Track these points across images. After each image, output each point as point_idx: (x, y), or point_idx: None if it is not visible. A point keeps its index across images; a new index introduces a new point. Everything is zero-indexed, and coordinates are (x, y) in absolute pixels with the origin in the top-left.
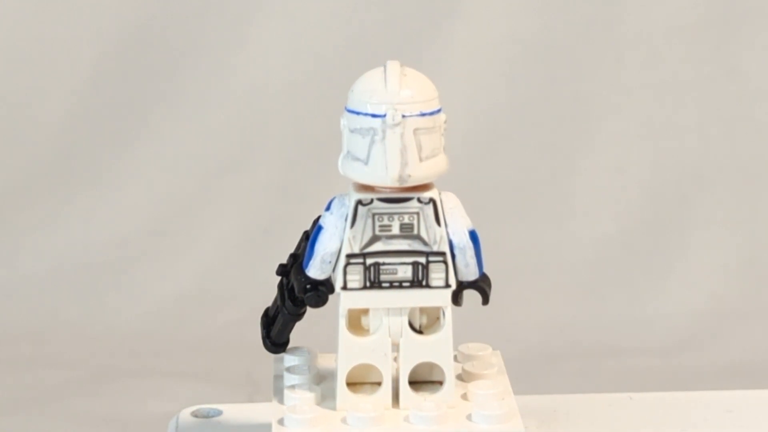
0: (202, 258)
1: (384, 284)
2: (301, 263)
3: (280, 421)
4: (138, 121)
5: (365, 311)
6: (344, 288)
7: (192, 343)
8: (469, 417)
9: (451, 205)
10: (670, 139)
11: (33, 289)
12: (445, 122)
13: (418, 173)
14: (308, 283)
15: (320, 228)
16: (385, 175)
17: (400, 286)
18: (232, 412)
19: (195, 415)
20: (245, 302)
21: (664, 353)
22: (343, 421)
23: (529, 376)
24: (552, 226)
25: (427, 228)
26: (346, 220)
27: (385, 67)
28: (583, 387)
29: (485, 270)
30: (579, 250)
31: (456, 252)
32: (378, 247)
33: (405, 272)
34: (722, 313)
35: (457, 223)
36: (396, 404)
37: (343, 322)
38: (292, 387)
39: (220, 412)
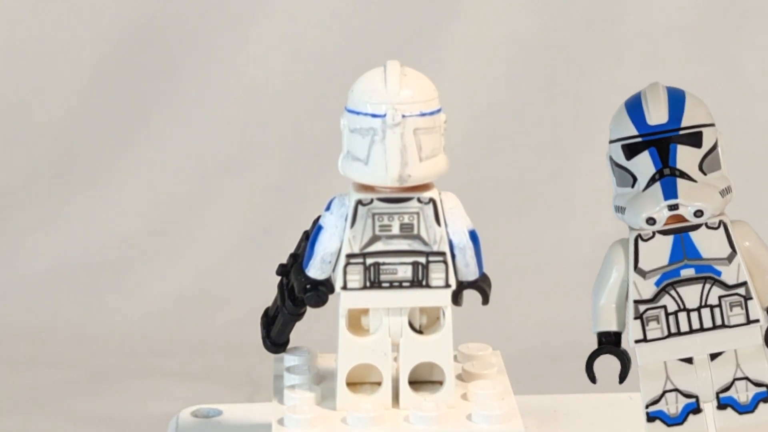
0: (202, 258)
1: (384, 284)
2: (301, 263)
3: (280, 421)
4: (138, 121)
5: (365, 311)
6: (344, 288)
7: (192, 343)
8: (469, 417)
9: (451, 205)
10: None
11: (33, 289)
12: (445, 122)
13: (418, 173)
14: (308, 283)
15: (320, 228)
16: (385, 175)
17: (400, 286)
18: (232, 412)
19: (195, 415)
20: (245, 302)
21: None
22: (343, 421)
23: (529, 376)
24: (552, 226)
25: (427, 228)
26: (346, 220)
27: (385, 67)
28: (583, 387)
29: (485, 270)
30: (579, 250)
31: (456, 252)
32: (378, 247)
33: (405, 272)
34: None
35: (457, 223)
36: (396, 404)
37: (343, 322)
38: (292, 387)
39: (220, 412)
